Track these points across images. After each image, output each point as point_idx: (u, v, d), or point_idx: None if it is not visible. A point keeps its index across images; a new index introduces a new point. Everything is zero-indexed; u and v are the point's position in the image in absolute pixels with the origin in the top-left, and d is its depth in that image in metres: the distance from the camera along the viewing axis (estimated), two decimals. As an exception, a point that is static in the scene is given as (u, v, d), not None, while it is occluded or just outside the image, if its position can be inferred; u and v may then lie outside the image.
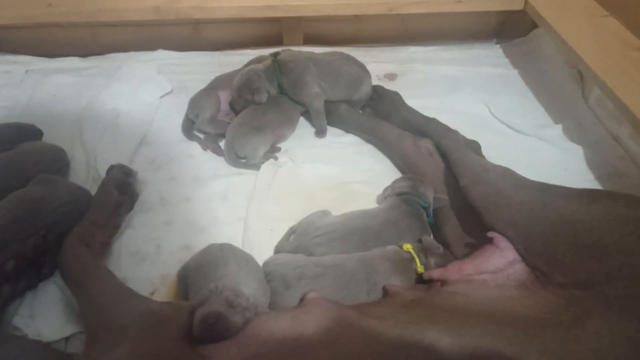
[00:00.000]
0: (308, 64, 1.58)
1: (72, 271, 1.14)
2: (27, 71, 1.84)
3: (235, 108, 1.61)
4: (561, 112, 1.73)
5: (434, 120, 1.56)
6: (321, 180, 1.49)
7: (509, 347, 0.81)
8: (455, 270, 1.08)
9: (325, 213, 1.30)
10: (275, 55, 1.66)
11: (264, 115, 1.55)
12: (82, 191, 1.34)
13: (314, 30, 2.05)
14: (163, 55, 1.94)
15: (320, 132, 1.63)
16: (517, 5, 1.90)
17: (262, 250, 1.28)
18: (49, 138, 1.55)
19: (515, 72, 1.93)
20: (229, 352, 0.88)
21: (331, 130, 1.66)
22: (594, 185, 1.48)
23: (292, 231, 1.32)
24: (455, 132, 1.50)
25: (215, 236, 1.33)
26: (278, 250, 1.28)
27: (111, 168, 1.40)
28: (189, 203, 1.43)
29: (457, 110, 1.72)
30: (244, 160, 1.52)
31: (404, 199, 1.28)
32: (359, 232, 1.22)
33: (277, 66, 1.58)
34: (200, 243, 1.28)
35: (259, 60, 1.73)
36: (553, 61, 1.91)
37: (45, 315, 1.13)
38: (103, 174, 1.43)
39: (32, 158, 1.38)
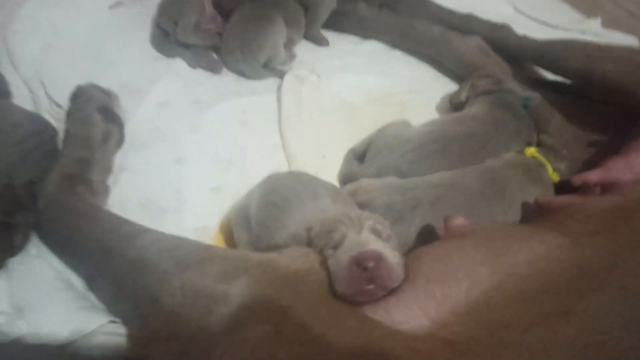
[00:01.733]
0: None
1: (73, 231, 0.73)
2: None
3: (223, 6, 1.21)
4: (588, 7, 1.52)
5: (472, 17, 1.29)
6: (360, 94, 1.17)
7: None
8: (622, 169, 0.81)
9: (405, 124, 0.98)
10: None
11: (268, 7, 1.18)
12: (42, 120, 0.90)
13: None
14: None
15: (322, 41, 1.29)
16: None
17: (319, 182, 0.93)
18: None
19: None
20: (426, 309, 0.54)
21: (346, 38, 1.33)
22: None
23: (353, 153, 0.99)
24: (507, 25, 1.24)
25: (252, 171, 0.96)
26: (346, 177, 0.95)
27: (81, 91, 0.95)
28: (199, 133, 1.04)
29: (479, 10, 1.44)
30: (263, 69, 1.15)
31: (500, 97, 0.99)
32: (462, 140, 0.92)
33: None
34: (234, 182, 0.93)
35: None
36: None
37: (41, 305, 0.70)
38: (61, 101, 0.99)
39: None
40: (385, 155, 0.91)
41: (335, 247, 0.61)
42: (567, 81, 1.10)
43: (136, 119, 1.04)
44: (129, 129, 1.01)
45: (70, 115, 0.91)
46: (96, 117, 0.90)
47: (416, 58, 1.28)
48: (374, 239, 0.61)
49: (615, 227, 0.62)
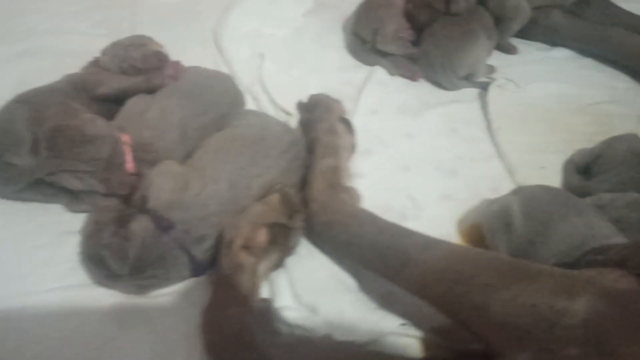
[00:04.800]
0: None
1: (353, 237, 0.79)
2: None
3: (417, 20, 1.24)
4: None
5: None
6: (560, 103, 1.18)
7: None
8: None
9: (631, 138, 0.98)
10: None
11: (468, 22, 1.21)
12: (293, 130, 0.97)
13: None
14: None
15: (511, 50, 1.30)
16: None
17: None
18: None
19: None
20: None
21: (534, 45, 1.34)
22: None
23: (574, 165, 1.01)
24: None
25: (474, 179, 1.00)
26: (577, 192, 0.95)
27: (317, 100, 1.02)
28: (414, 141, 1.08)
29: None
30: (460, 80, 1.18)
31: None
32: None
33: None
34: (463, 190, 0.99)
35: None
36: None
37: (333, 304, 0.77)
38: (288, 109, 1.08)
39: (214, 88, 0.98)
40: (622, 170, 0.92)
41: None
42: None
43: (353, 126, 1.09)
44: (353, 138, 1.07)
45: (312, 124, 0.97)
46: (340, 127, 0.96)
47: (609, 66, 1.27)
48: None
49: None
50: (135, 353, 0.74)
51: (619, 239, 0.76)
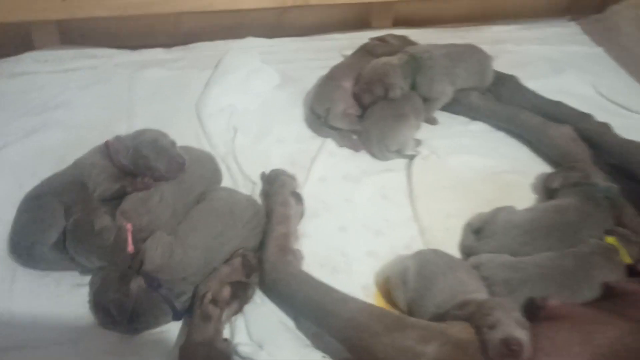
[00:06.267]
0: (444, 62, 1.55)
1: (293, 291, 1.08)
2: (115, 65, 1.67)
3: (361, 101, 1.54)
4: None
5: (562, 104, 1.57)
6: (471, 172, 1.46)
7: None
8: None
9: (512, 210, 1.28)
10: (405, 48, 1.63)
11: (401, 106, 1.51)
12: (256, 203, 1.26)
13: (403, 13, 1.98)
14: (253, 43, 1.82)
15: (433, 122, 1.61)
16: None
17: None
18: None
19: (600, 50, 1.95)
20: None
21: (457, 119, 1.64)
22: None
23: (470, 228, 1.30)
24: (590, 115, 1.52)
25: (396, 239, 1.29)
26: (466, 249, 1.25)
27: (275, 176, 1.31)
28: (352, 205, 1.37)
29: (563, 92, 1.71)
30: (390, 153, 1.48)
31: (589, 191, 1.28)
32: (560, 228, 1.22)
33: (415, 63, 1.53)
34: (384, 247, 1.26)
35: (369, 49, 1.67)
36: (635, 38, 1.95)
37: (274, 341, 1.06)
38: (252, 177, 1.36)
39: (199, 169, 1.27)
40: (500, 237, 1.22)
41: (490, 326, 0.92)
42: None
43: (305, 192, 1.37)
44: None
45: (270, 196, 1.27)
46: (291, 200, 1.25)
47: (516, 140, 1.57)
48: (519, 329, 0.90)
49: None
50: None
51: (482, 294, 1.05)
